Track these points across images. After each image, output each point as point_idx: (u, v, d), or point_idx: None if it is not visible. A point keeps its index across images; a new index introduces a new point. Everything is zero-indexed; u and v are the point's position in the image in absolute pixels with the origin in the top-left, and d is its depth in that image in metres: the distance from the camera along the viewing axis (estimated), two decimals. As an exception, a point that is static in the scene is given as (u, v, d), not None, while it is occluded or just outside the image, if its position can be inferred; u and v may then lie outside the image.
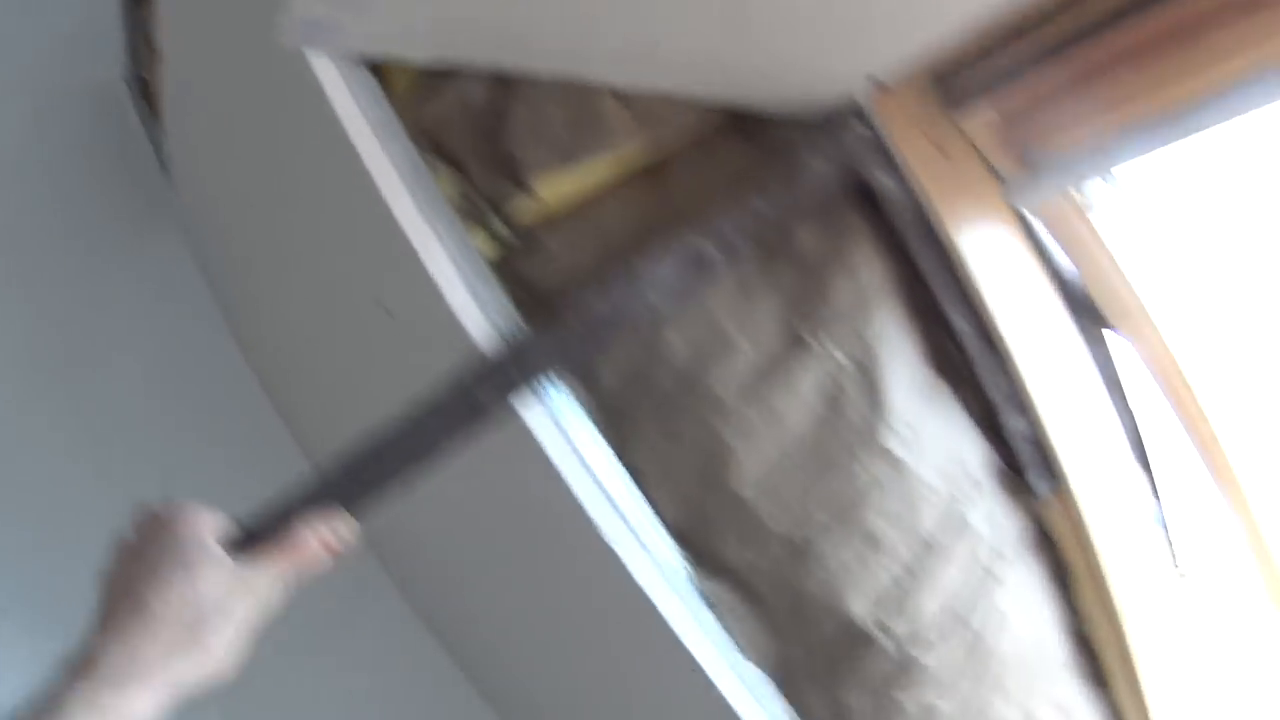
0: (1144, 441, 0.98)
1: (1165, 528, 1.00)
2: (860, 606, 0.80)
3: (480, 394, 0.70)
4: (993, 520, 0.86)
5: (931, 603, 0.83)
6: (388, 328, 0.88)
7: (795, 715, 0.84)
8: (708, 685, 0.80)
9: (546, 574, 0.97)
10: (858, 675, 0.83)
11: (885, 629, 0.82)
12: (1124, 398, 0.97)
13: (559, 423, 0.77)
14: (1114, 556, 0.92)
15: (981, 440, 0.87)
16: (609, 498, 0.78)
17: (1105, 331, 0.99)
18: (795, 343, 0.81)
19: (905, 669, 0.83)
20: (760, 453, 0.80)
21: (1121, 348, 0.99)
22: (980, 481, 0.85)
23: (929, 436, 0.83)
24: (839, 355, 0.81)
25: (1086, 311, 0.97)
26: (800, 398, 0.80)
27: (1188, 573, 1.01)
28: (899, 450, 0.81)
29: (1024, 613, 0.90)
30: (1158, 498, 1.01)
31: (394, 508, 0.68)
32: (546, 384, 0.73)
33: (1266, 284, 1.08)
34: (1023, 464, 0.87)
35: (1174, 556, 1.00)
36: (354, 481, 0.66)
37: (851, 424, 0.81)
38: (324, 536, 0.63)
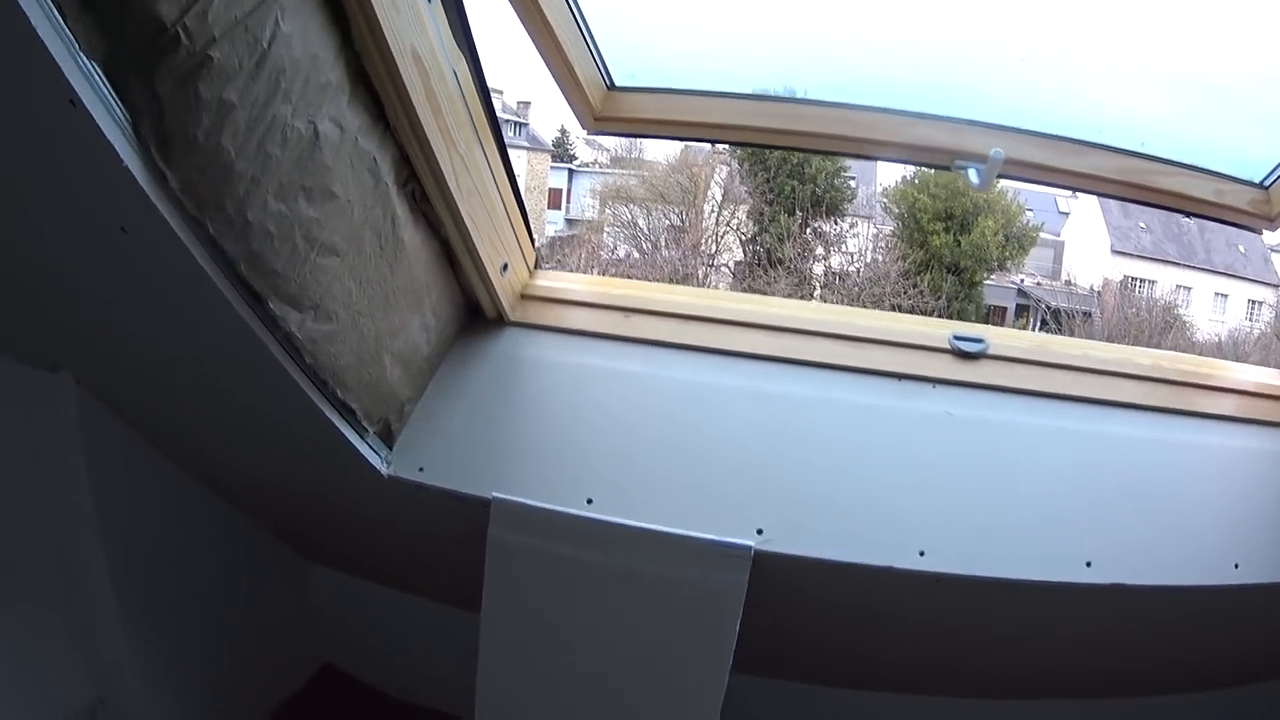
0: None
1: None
2: (167, 9, 0.97)
3: None
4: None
5: (224, 13, 1.02)
6: None
7: (121, 105, 1.01)
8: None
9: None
10: (165, 67, 1.00)
11: (186, 29, 1.00)
12: None
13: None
14: (382, 4, 1.20)
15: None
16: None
17: None
18: None
19: (202, 64, 1.03)
20: None
21: None
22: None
23: None
24: None
25: None
26: None
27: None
28: None
29: (303, 36, 1.14)
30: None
31: None
32: None
33: None
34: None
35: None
36: None
37: None
38: None
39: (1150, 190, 1.61)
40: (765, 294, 14.90)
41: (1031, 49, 1.62)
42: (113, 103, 1.01)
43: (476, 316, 1.72)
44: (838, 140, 1.68)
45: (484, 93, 1.51)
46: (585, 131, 1.82)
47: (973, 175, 1.60)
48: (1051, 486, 1.51)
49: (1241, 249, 18.10)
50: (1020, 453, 1.55)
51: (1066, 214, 19.64)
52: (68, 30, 0.94)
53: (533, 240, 1.76)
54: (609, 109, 1.76)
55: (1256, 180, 1.59)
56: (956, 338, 1.68)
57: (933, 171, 16.75)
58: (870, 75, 1.71)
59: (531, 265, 1.78)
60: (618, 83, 1.77)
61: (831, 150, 1.73)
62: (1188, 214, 1.66)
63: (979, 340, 1.68)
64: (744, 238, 16.68)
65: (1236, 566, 1.43)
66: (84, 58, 0.96)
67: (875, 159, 1.81)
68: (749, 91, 1.74)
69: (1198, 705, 1.79)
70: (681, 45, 1.81)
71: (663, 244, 16.51)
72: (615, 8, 1.69)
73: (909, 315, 1.98)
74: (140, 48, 0.98)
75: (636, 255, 16.47)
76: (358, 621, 2.15)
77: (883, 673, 1.79)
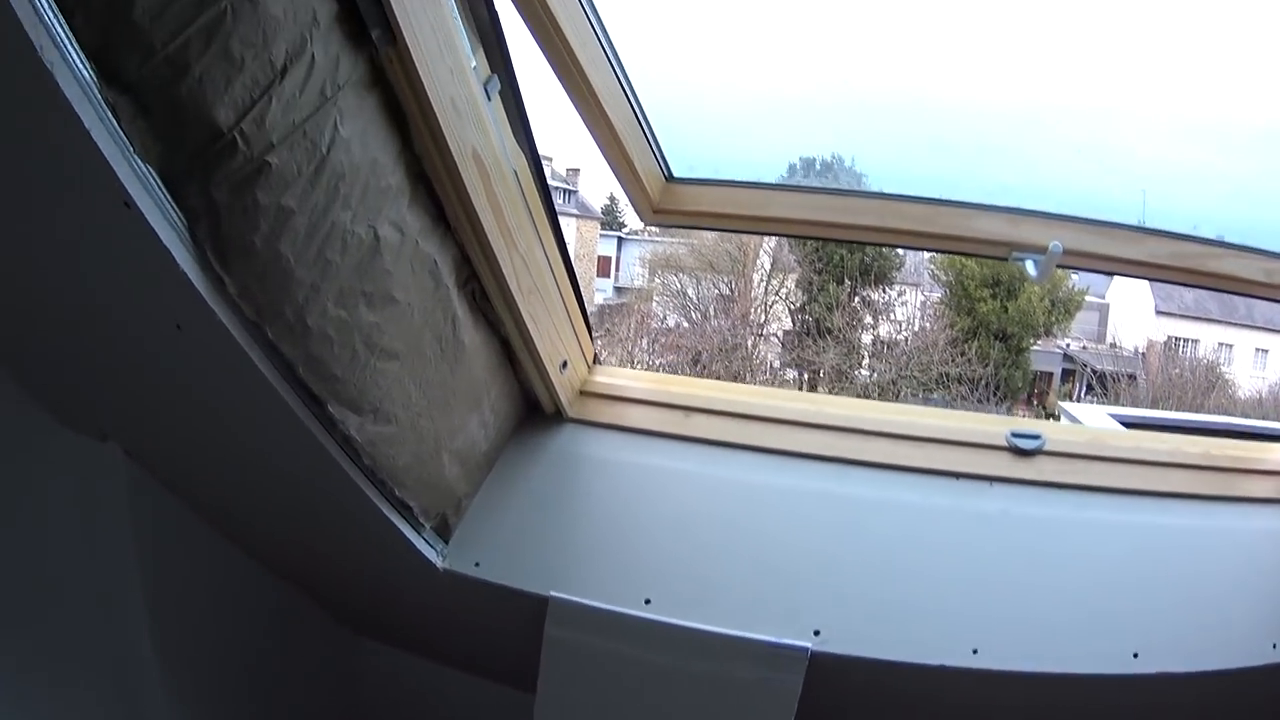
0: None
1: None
2: (223, 115, 0.97)
3: None
4: (335, 58, 1.07)
5: (282, 118, 1.02)
6: None
7: (177, 209, 1.01)
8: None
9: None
10: (222, 173, 1.00)
11: (243, 135, 1.00)
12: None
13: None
14: (443, 106, 1.20)
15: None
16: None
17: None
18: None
19: (260, 170, 1.03)
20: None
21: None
22: (323, 24, 1.04)
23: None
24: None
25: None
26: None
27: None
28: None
29: (362, 141, 1.15)
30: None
31: None
32: None
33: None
34: (362, 13, 1.08)
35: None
36: None
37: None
38: None
39: (1201, 274, 1.62)
40: (813, 363, 14.83)
41: (1088, 139, 1.61)
42: (168, 206, 1.01)
43: (535, 411, 1.71)
44: (895, 234, 1.66)
45: (544, 190, 1.52)
46: (644, 224, 1.81)
47: (1030, 268, 1.59)
48: (1102, 580, 1.50)
49: (1281, 303, 17.72)
50: (1073, 548, 1.55)
51: (1111, 276, 19.41)
52: (121, 133, 0.94)
53: (591, 336, 1.75)
54: (667, 201, 1.76)
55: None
56: (1014, 435, 1.67)
57: (983, 239, 16.65)
58: (925, 164, 1.70)
59: (590, 361, 1.77)
60: (676, 174, 1.77)
61: (889, 243, 1.72)
62: (1241, 294, 1.67)
63: (1036, 437, 1.66)
64: (793, 307, 16.67)
65: (1275, 647, 1.41)
66: (138, 161, 0.96)
67: (932, 250, 1.78)
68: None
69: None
70: (738, 136, 1.82)
71: (712, 313, 16.55)
72: (673, 98, 1.70)
73: (967, 413, 1.95)
74: (196, 152, 0.98)
75: (685, 324, 16.51)
76: (409, 701, 2.10)
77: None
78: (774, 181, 1.78)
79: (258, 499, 1.60)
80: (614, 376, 1.79)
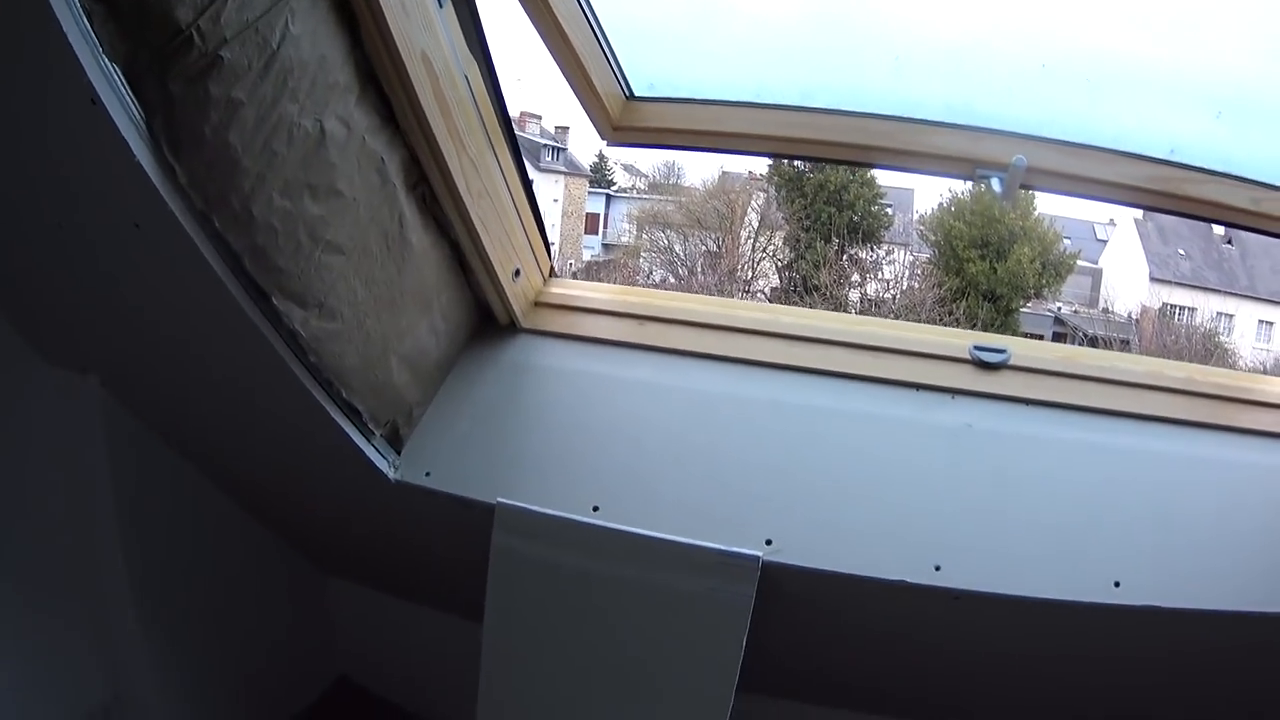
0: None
1: None
2: (183, 13, 1.01)
3: None
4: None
5: (236, 16, 1.05)
6: None
7: (137, 104, 1.06)
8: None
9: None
10: (178, 67, 1.04)
11: (199, 31, 1.03)
12: None
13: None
14: (391, 7, 1.22)
15: None
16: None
17: None
18: None
19: (213, 64, 1.06)
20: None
21: None
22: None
23: None
24: None
25: None
26: None
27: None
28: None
29: (313, 38, 1.17)
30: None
31: None
32: None
33: None
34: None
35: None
36: None
37: None
38: None
39: (1183, 199, 1.54)
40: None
41: (1053, 55, 1.57)
42: (129, 101, 1.06)
43: (489, 323, 1.71)
44: (854, 149, 1.65)
45: (497, 98, 1.52)
46: (605, 142, 1.81)
47: (995, 185, 1.56)
48: (1076, 503, 1.44)
49: (1288, 275, 17.70)
50: (1043, 467, 1.49)
51: (1104, 241, 19.37)
52: (93, 34, 1.00)
53: (548, 248, 1.75)
54: (627, 119, 1.75)
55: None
56: (977, 348, 1.63)
57: (968, 198, 16.64)
58: (888, 86, 1.69)
59: (546, 272, 1.77)
60: (636, 93, 1.76)
61: (848, 160, 1.71)
62: (1225, 224, 1.60)
63: (1000, 351, 1.62)
64: (780, 264, 16.66)
65: None
66: (105, 60, 1.02)
67: (895, 169, 1.77)
68: (767, 102, 1.73)
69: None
70: (698, 55, 1.80)
71: (699, 270, 16.54)
72: (633, 16, 1.69)
73: (928, 326, 1.92)
74: (156, 49, 1.02)
75: (673, 280, 16.51)
76: (373, 634, 2.14)
77: (896, 698, 1.73)
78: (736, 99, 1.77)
79: (222, 420, 1.62)
80: (569, 288, 1.79)
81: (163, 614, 1.72)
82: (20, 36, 1.01)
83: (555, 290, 1.78)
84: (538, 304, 1.75)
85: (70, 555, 1.61)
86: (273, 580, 2.02)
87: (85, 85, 1.01)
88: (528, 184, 1.62)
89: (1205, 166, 1.53)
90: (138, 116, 1.07)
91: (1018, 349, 1.63)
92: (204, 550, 1.83)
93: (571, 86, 1.68)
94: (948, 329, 1.95)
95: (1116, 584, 1.34)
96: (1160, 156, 1.55)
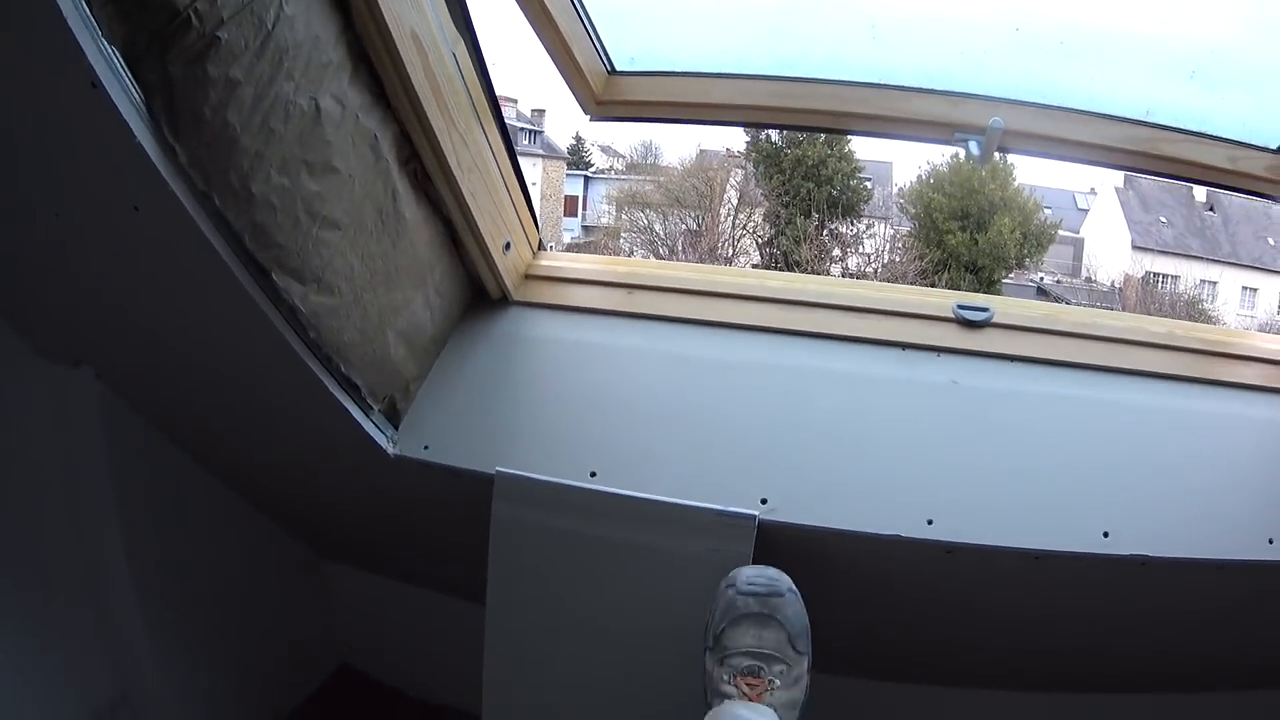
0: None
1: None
2: None
3: None
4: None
5: None
6: None
7: (137, 86, 1.08)
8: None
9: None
10: (177, 48, 1.06)
11: (196, 12, 1.06)
12: None
13: None
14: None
15: None
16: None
17: None
18: None
19: (211, 45, 1.08)
20: None
21: None
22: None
23: None
24: None
25: None
26: None
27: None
28: None
29: (306, 19, 1.20)
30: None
31: None
32: None
33: None
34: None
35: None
36: None
37: None
38: None
39: (1160, 159, 1.56)
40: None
41: (1026, 20, 1.60)
42: (129, 83, 1.08)
43: (482, 297, 1.75)
44: (834, 116, 1.68)
45: (484, 76, 1.54)
46: (588, 117, 1.83)
47: (973, 147, 1.59)
48: (1062, 455, 1.49)
49: (1271, 241, 17.86)
50: (1029, 421, 1.53)
51: (1086, 211, 19.48)
52: (92, 17, 1.01)
53: (536, 222, 1.78)
54: (610, 93, 1.78)
55: (1273, 146, 1.53)
56: (960, 306, 1.67)
57: (947, 170, 16.69)
58: (865, 54, 1.72)
59: (535, 246, 1.80)
60: (618, 67, 1.79)
61: (829, 127, 1.74)
62: (1203, 183, 1.63)
63: (984, 309, 1.66)
64: (761, 241, 16.70)
65: (1271, 542, 1.37)
66: (105, 43, 1.04)
67: (875, 135, 1.80)
68: (747, 72, 1.75)
69: (1230, 705, 1.73)
70: (678, 28, 1.82)
71: (679, 248, 16.55)
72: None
73: (911, 287, 1.96)
74: (155, 31, 1.04)
75: (653, 260, 16.51)
76: (374, 621, 2.17)
77: (893, 658, 1.78)
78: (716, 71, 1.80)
79: (219, 405, 1.64)
80: (558, 260, 1.83)
81: (166, 608, 1.74)
82: (20, 21, 1.02)
83: (545, 263, 1.81)
84: (528, 276, 1.78)
85: (71, 552, 1.63)
86: (272, 569, 2.04)
87: (85, 69, 1.03)
88: (514, 158, 1.65)
89: (1182, 126, 1.56)
90: (138, 99, 1.09)
91: (1000, 307, 1.68)
92: (205, 542, 1.85)
93: (555, 63, 1.70)
94: (931, 290, 1.98)
95: (1105, 534, 1.38)
96: (1136, 118, 1.58)
